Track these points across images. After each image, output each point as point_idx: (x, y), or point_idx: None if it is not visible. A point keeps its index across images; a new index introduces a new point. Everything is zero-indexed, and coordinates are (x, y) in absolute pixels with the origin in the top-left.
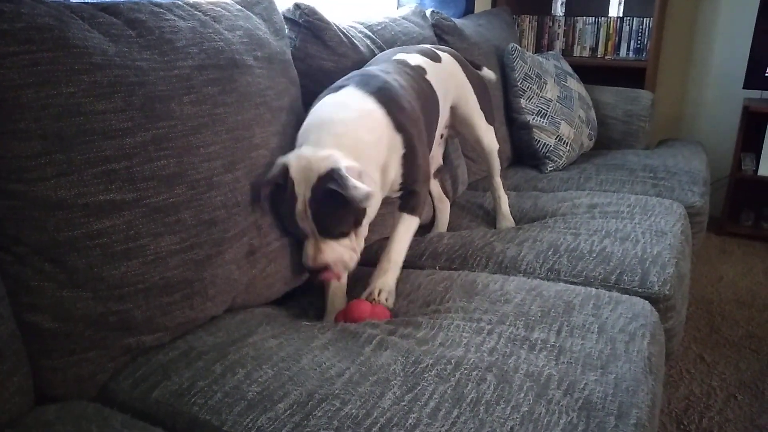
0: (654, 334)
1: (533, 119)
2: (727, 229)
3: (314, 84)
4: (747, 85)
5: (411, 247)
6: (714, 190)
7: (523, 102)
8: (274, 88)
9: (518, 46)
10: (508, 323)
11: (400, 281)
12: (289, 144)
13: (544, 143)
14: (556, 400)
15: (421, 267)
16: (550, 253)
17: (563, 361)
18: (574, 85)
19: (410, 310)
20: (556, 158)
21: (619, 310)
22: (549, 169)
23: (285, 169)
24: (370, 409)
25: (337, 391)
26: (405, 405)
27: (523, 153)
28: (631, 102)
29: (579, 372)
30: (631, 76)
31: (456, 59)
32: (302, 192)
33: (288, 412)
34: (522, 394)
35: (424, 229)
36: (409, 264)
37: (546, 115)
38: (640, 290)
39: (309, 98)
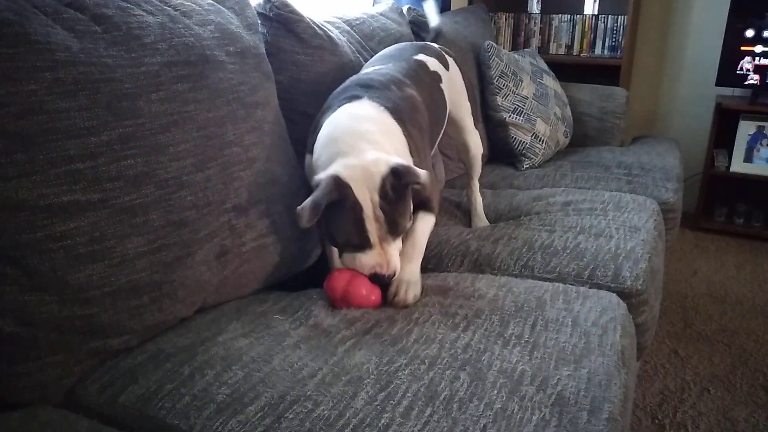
0: (624, 327)
1: (509, 117)
2: (701, 225)
3: (288, 79)
4: (719, 82)
5: None
6: (688, 186)
7: (499, 99)
8: (248, 84)
9: (494, 44)
10: (483, 317)
11: None
12: (268, 140)
13: (521, 141)
14: (529, 396)
15: None
16: (524, 250)
17: (537, 356)
18: (550, 82)
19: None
20: (532, 155)
21: (588, 304)
22: (525, 166)
23: (338, 182)
24: (342, 410)
25: (309, 393)
26: (378, 405)
27: (499, 150)
28: (606, 99)
29: (552, 367)
30: (607, 73)
31: (457, 65)
32: (367, 198)
33: (259, 414)
34: (495, 391)
35: None
36: None
37: (522, 112)
38: (612, 285)
39: (283, 94)
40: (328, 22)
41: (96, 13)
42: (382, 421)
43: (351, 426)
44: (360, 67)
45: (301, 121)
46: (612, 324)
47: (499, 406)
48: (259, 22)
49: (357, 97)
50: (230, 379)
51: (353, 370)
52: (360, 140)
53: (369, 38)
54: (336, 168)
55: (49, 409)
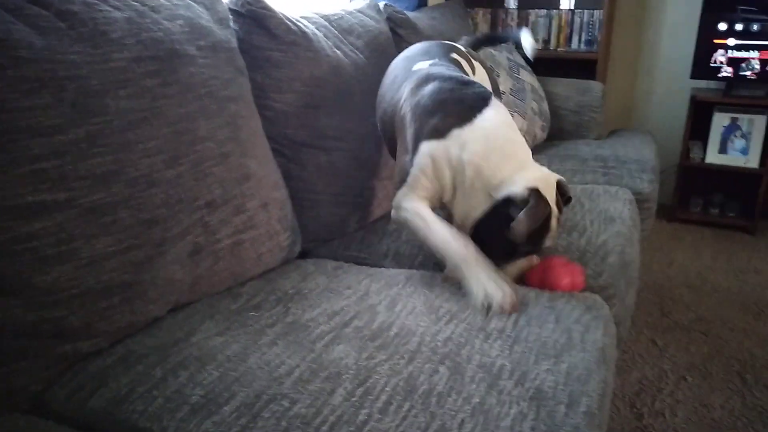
0: (606, 326)
1: None
2: (678, 216)
3: (262, 76)
4: (694, 75)
5: (372, 246)
6: (664, 178)
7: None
8: (220, 78)
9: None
10: (467, 312)
11: (363, 276)
12: (242, 135)
13: None
14: (507, 391)
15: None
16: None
17: (517, 351)
18: (527, 77)
19: (370, 293)
20: None
21: (572, 302)
22: None
23: (535, 194)
24: (320, 408)
25: (286, 391)
26: (356, 400)
27: None
28: (583, 93)
29: (532, 362)
30: (583, 67)
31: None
32: (555, 209)
33: (234, 414)
34: (474, 385)
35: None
36: (373, 264)
37: None
38: None
39: (257, 90)
40: (305, 18)
41: (60, 9)
42: (360, 418)
43: (328, 423)
44: (337, 60)
45: (276, 118)
46: (595, 322)
47: (478, 400)
48: (231, 18)
49: (485, 99)
50: (204, 380)
51: (331, 365)
52: (521, 150)
53: (348, 33)
54: (527, 181)
55: (16, 417)
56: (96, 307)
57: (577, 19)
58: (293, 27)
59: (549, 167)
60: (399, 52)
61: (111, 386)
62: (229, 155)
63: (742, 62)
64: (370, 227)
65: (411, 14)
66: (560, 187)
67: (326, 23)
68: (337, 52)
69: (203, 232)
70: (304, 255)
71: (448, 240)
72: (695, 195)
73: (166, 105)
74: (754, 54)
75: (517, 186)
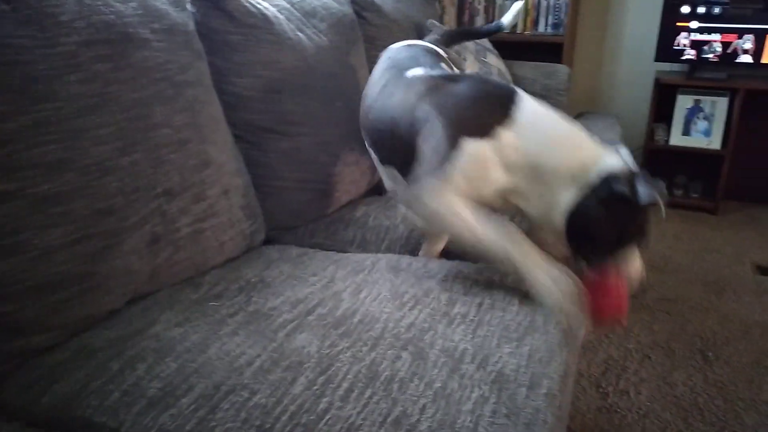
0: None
1: None
2: None
3: (222, 60)
4: (658, 58)
5: (337, 233)
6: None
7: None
8: (177, 62)
9: (437, 23)
10: (431, 297)
11: (324, 262)
12: (201, 121)
13: None
14: (469, 375)
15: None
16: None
17: (480, 335)
18: (494, 61)
19: (335, 280)
20: None
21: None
22: None
23: (628, 179)
24: (280, 397)
25: (246, 381)
26: (317, 389)
27: None
28: (549, 77)
29: (494, 345)
30: (550, 51)
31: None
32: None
33: (192, 407)
34: (436, 370)
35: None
36: (338, 248)
37: None
38: None
39: (217, 75)
40: (267, 0)
41: None
42: (321, 406)
43: (288, 413)
44: (300, 44)
45: (237, 103)
46: (559, 305)
47: (439, 384)
48: (189, 0)
49: (513, 90)
50: (162, 372)
51: (293, 354)
52: (580, 131)
53: (311, 15)
54: (616, 159)
55: None
56: (49, 301)
57: (543, 3)
58: (253, 9)
59: None
60: (364, 35)
61: (65, 381)
62: (187, 141)
63: (705, 45)
64: (335, 214)
65: None
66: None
67: (288, 6)
68: (300, 35)
69: (162, 221)
70: (268, 242)
71: (493, 233)
72: (660, 177)
73: (118, 90)
74: (716, 37)
75: (609, 162)
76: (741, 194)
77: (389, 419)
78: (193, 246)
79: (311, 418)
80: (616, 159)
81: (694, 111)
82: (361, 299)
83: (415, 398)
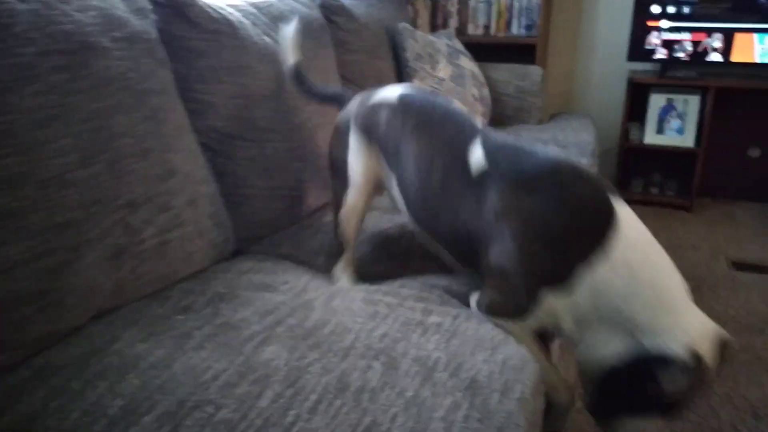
0: None
1: None
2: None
3: (186, 67)
4: (630, 57)
5: (305, 242)
6: (605, 159)
7: (416, 82)
8: (138, 71)
9: (409, 26)
10: (406, 306)
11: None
12: (165, 130)
13: None
14: (441, 383)
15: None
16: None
17: (454, 344)
18: (467, 63)
19: (307, 290)
20: None
21: None
22: None
23: (698, 359)
24: (246, 411)
25: (211, 396)
26: (284, 402)
27: None
28: (522, 78)
29: (469, 353)
30: (523, 52)
31: None
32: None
33: (155, 424)
34: (408, 379)
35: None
36: (305, 258)
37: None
38: None
39: (181, 82)
40: (232, 6)
41: None
42: (288, 419)
43: (254, 427)
44: (266, 48)
45: (203, 111)
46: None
47: (411, 393)
48: (150, 8)
49: (611, 206)
50: (125, 390)
51: (261, 367)
52: (674, 280)
53: (278, 20)
54: (689, 336)
55: None
56: (8, 319)
57: (516, 4)
58: (216, 15)
59: None
60: (335, 40)
61: (24, 402)
62: (150, 151)
63: (676, 44)
64: (305, 222)
65: (346, 1)
66: (723, 346)
67: (255, 11)
68: (266, 39)
69: (124, 233)
70: (239, 253)
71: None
72: (636, 175)
73: (78, 101)
74: (687, 36)
75: (675, 341)
76: (715, 191)
77: (359, 429)
78: (159, 258)
79: (278, 431)
80: (684, 338)
81: (667, 110)
82: (333, 309)
83: (386, 407)
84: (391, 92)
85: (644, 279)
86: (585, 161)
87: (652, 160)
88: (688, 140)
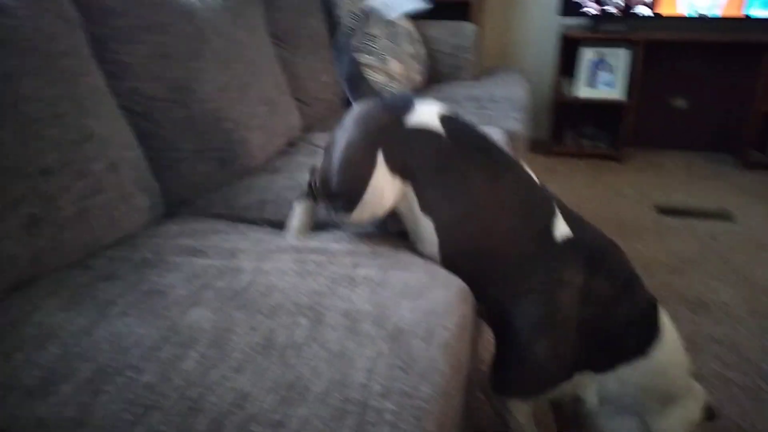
0: None
1: (361, 57)
2: (553, 150)
3: (100, 27)
4: (562, 12)
5: (236, 199)
6: (540, 114)
7: (353, 43)
8: (45, 31)
9: None
10: (335, 262)
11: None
12: (80, 93)
13: (374, 81)
14: (366, 333)
15: (249, 221)
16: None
17: (381, 295)
18: (403, 21)
19: (237, 252)
20: (388, 93)
21: None
22: None
23: None
24: (169, 374)
25: (133, 361)
26: (208, 363)
27: (355, 92)
28: (456, 35)
29: (394, 303)
30: (458, 10)
31: None
32: None
33: (73, 393)
34: (334, 333)
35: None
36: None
37: (373, 52)
38: None
39: (95, 43)
40: None
41: None
42: (212, 378)
43: (177, 389)
44: (188, 5)
45: (122, 72)
46: None
47: (336, 346)
48: None
49: (657, 316)
50: (43, 360)
51: (186, 331)
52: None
53: None
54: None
55: None
56: None
57: None
58: None
59: None
60: None
61: None
62: (63, 116)
63: None
64: (239, 182)
65: None
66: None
67: None
68: None
69: (39, 201)
70: (170, 217)
71: None
72: (568, 129)
73: None
74: None
75: (674, 427)
76: (644, 141)
77: (282, 384)
78: (80, 225)
79: (200, 391)
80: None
81: (598, 63)
82: (263, 270)
83: (310, 362)
84: (429, 114)
85: (666, 379)
86: (516, 115)
87: (584, 113)
88: (618, 93)
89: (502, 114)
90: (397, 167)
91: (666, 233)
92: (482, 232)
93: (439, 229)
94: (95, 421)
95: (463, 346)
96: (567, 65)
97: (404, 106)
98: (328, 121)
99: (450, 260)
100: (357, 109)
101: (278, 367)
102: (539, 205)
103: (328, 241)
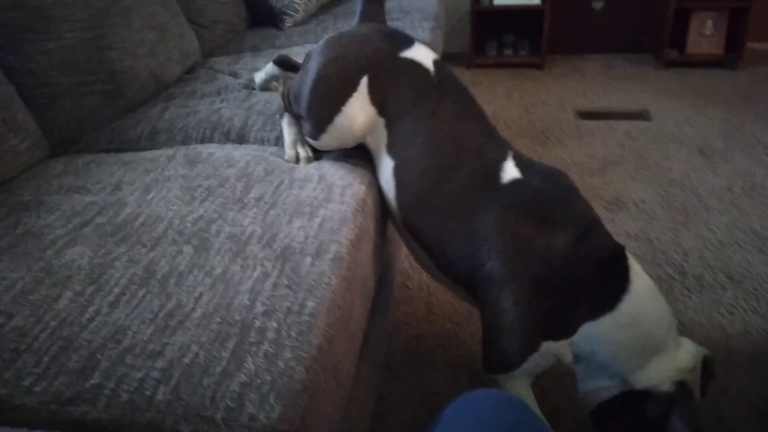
0: (371, 178)
1: None
2: (475, 62)
3: None
4: None
5: (125, 132)
6: (459, 25)
7: None
8: None
9: None
10: (226, 186)
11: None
12: None
13: None
14: (253, 255)
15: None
16: (278, 117)
17: (272, 215)
18: None
19: (122, 185)
20: (292, 12)
21: (340, 162)
22: (288, 24)
23: (683, 390)
24: (41, 315)
25: (2, 307)
26: (84, 300)
27: (259, 12)
28: None
29: (285, 222)
30: None
31: None
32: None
33: None
34: (219, 258)
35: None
36: (126, 148)
37: None
38: None
39: None
40: None
41: None
42: (86, 316)
43: (49, 329)
44: None
45: None
46: (360, 177)
47: (220, 271)
48: None
49: (624, 257)
50: None
51: (61, 270)
52: (666, 323)
53: None
54: (672, 371)
55: None
56: None
57: None
58: None
59: (333, 26)
60: None
61: None
62: None
63: None
64: (129, 115)
65: None
66: (706, 365)
67: None
68: None
69: None
70: (56, 156)
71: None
72: (489, 39)
73: None
74: None
75: (657, 376)
76: (566, 47)
77: (161, 314)
78: None
79: (74, 329)
80: (668, 373)
81: None
82: (147, 201)
83: (192, 289)
84: (425, 53)
85: (641, 331)
86: (427, 25)
87: (504, 21)
88: None
89: (412, 25)
90: (378, 99)
91: (585, 136)
92: (434, 169)
93: (397, 169)
94: None
95: (361, 256)
96: None
97: (403, 41)
98: (230, 45)
99: (406, 210)
100: (354, 29)
101: (158, 298)
102: (493, 150)
103: (221, 165)
